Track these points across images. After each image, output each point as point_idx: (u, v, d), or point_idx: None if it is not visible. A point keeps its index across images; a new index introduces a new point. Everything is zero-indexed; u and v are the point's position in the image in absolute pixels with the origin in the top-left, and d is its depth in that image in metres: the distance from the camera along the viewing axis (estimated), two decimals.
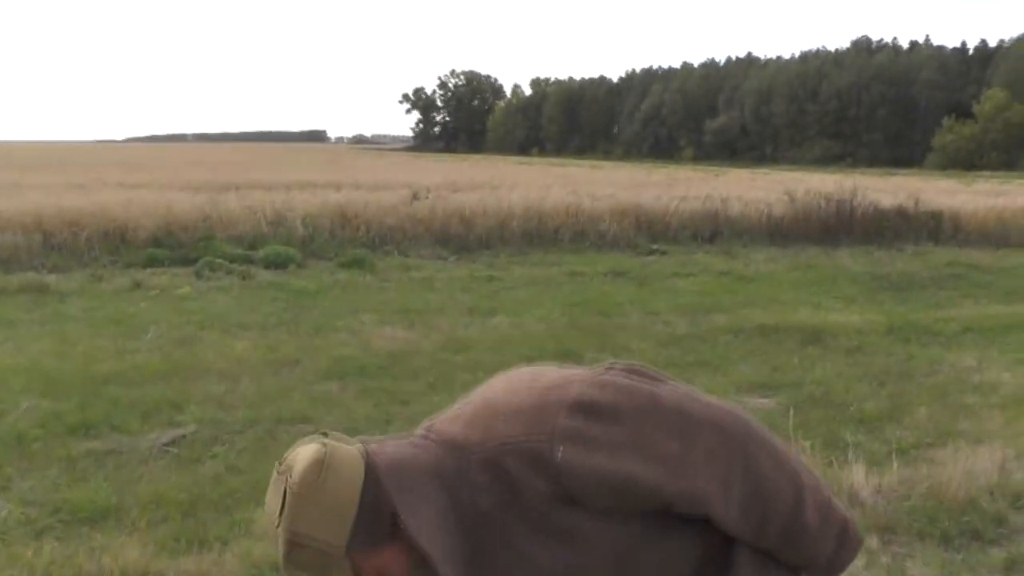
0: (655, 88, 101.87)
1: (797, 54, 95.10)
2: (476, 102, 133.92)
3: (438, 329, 8.38)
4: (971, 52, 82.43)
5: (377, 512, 1.26)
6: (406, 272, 12.10)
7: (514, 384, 1.41)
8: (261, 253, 12.43)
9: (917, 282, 12.12)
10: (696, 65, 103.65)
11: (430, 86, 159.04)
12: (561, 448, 1.27)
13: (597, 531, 1.31)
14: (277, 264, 12.04)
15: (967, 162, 64.41)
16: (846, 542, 1.42)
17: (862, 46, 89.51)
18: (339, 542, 1.24)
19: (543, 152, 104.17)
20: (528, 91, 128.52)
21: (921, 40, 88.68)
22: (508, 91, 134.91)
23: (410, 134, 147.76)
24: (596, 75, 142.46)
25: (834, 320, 9.08)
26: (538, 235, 15.13)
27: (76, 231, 12.69)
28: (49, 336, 7.87)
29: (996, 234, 16.83)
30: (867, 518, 4.04)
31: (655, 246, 14.93)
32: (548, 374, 1.42)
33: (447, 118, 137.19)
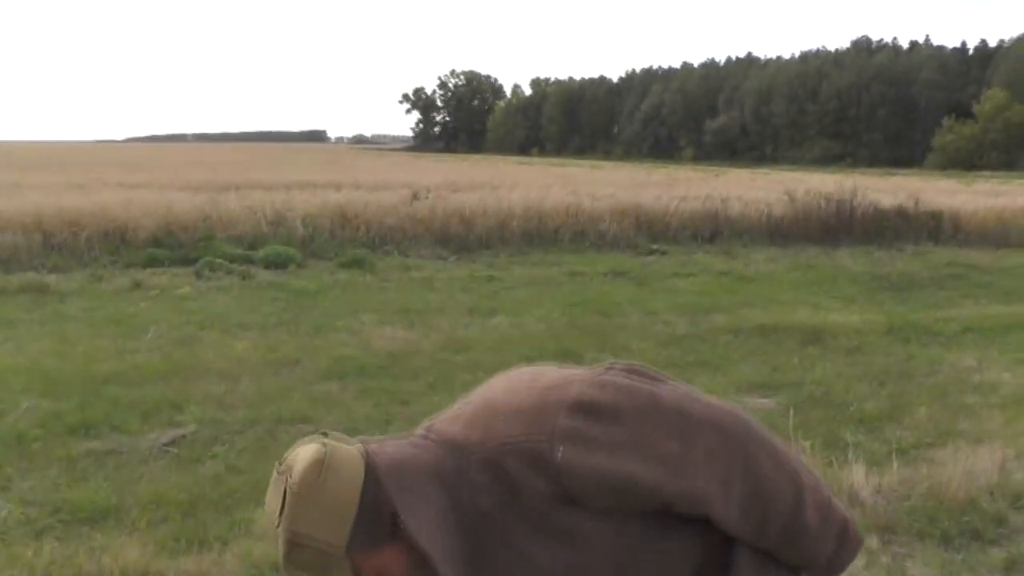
0: (655, 88, 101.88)
1: (797, 54, 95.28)
2: (476, 102, 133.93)
3: (438, 329, 8.38)
4: (971, 52, 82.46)
5: (377, 512, 1.26)
6: (406, 272, 12.10)
7: (514, 384, 1.40)
8: (261, 253, 12.43)
9: (917, 282, 12.12)
10: (696, 65, 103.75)
11: (430, 86, 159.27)
12: (561, 448, 1.27)
13: (597, 531, 1.31)
14: (277, 264, 12.04)
15: (967, 162, 64.41)
16: (846, 542, 1.42)
17: (862, 46, 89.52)
18: (339, 542, 1.24)
19: (543, 152, 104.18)
20: (528, 91, 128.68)
21: (921, 40, 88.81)
22: (508, 91, 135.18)
23: (410, 134, 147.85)
24: (596, 75, 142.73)
25: (834, 320, 9.09)
26: (538, 235, 15.13)
27: (76, 231, 12.69)
28: (49, 336, 7.87)
29: (996, 234, 16.83)
30: (867, 518, 4.04)
31: (655, 246, 14.94)
32: (548, 374, 1.42)
33: (447, 118, 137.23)
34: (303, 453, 1.28)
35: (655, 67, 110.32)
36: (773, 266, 13.41)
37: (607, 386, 1.34)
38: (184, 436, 5.28)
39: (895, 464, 4.65)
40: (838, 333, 8.42)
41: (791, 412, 5.41)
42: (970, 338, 8.46)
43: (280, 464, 1.29)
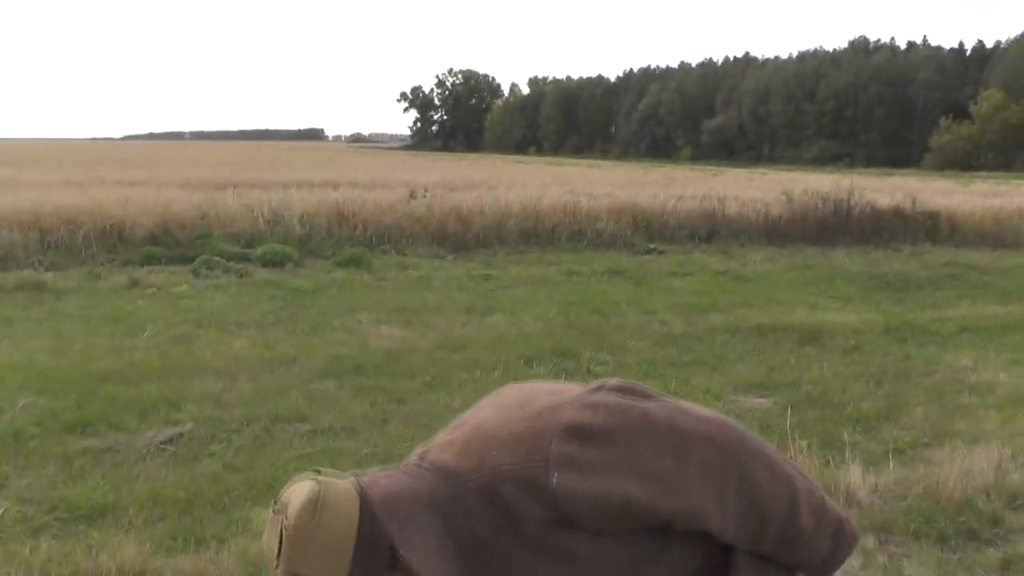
0: (653, 87, 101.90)
1: (795, 54, 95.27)
2: (474, 101, 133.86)
3: (435, 328, 8.39)
4: (968, 52, 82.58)
5: (374, 546, 1.26)
6: (403, 271, 12.10)
7: (505, 408, 1.40)
8: (258, 251, 12.43)
9: (914, 282, 12.14)
10: (694, 65, 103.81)
11: (428, 85, 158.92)
12: (556, 475, 1.28)
13: (596, 551, 1.31)
14: (274, 262, 12.04)
15: (964, 162, 64.48)
16: (841, 541, 1.44)
17: (860, 46, 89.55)
18: None
19: (540, 151, 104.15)
20: (526, 90, 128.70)
21: (919, 40, 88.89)
22: (506, 90, 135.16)
23: (408, 133, 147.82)
24: (594, 74, 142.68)
25: (831, 320, 9.10)
26: (535, 234, 15.13)
27: (73, 229, 12.67)
28: (46, 334, 7.87)
29: (993, 234, 16.86)
30: (864, 518, 4.05)
31: (652, 245, 14.95)
32: (538, 397, 1.41)
33: (445, 117, 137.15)
34: (297, 492, 1.27)
35: (653, 66, 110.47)
36: (770, 266, 13.42)
37: (598, 407, 1.34)
38: (181, 434, 5.28)
39: (892, 464, 4.66)
40: (835, 333, 8.43)
41: (788, 412, 5.43)
42: (967, 338, 8.47)
43: (275, 504, 1.28)
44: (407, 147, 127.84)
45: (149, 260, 12.04)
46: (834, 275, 12.57)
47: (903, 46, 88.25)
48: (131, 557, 3.58)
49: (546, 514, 1.28)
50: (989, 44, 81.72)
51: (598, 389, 1.38)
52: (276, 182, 20.99)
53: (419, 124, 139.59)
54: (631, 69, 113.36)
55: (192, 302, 9.54)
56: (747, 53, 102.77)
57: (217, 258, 11.74)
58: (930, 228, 16.71)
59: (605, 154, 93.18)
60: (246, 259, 12.11)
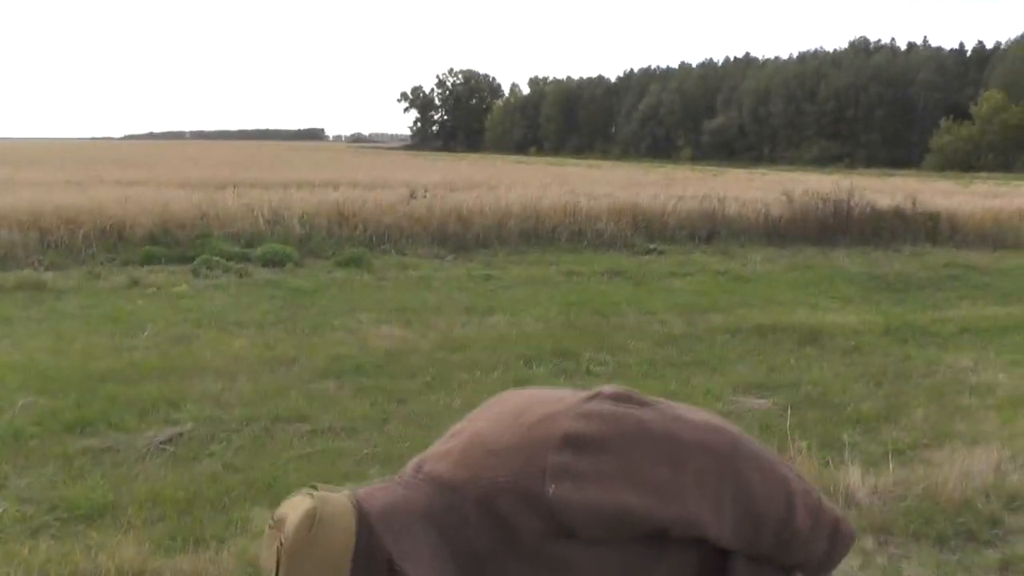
0: (653, 88, 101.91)
1: (795, 54, 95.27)
2: (474, 101, 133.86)
3: (435, 328, 8.39)
4: (969, 53, 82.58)
5: (372, 559, 1.25)
6: (403, 271, 12.10)
7: (501, 418, 1.40)
8: (258, 251, 12.43)
9: (914, 283, 12.14)
10: (694, 65, 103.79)
11: (428, 85, 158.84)
12: (553, 486, 1.28)
13: (594, 559, 1.32)
14: (274, 262, 12.04)
15: (964, 163, 64.49)
16: (838, 541, 1.45)
17: (860, 47, 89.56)
18: None
19: (541, 151, 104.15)
20: (526, 90, 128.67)
21: (919, 41, 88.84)
22: (506, 90, 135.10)
23: (408, 133, 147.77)
24: (594, 74, 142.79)
25: (831, 320, 9.10)
26: (535, 234, 15.13)
27: (73, 228, 12.67)
28: (46, 333, 7.87)
29: (993, 235, 16.86)
30: (863, 519, 4.05)
31: (652, 246, 14.94)
32: (534, 406, 1.41)
33: (445, 117, 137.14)
34: (293, 508, 1.27)
35: (653, 67, 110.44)
36: (770, 266, 13.42)
37: (593, 417, 1.34)
38: (181, 434, 5.27)
39: (891, 465, 4.66)
40: (835, 333, 8.43)
41: (788, 412, 5.43)
42: (967, 339, 8.48)
43: (271, 521, 1.28)
44: (407, 147, 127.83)
45: (149, 260, 12.04)
46: (834, 276, 12.57)
47: (903, 47, 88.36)
48: (130, 557, 3.58)
49: (543, 525, 1.28)
50: (989, 45, 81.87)
51: (593, 397, 1.38)
52: (276, 182, 21.00)
53: (419, 124, 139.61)
54: (631, 69, 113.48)
55: (192, 302, 9.54)
56: (747, 53, 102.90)
57: (217, 258, 11.74)
58: (930, 229, 16.72)
59: (605, 154, 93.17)
60: (246, 259, 12.11)
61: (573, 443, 1.30)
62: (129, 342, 7.60)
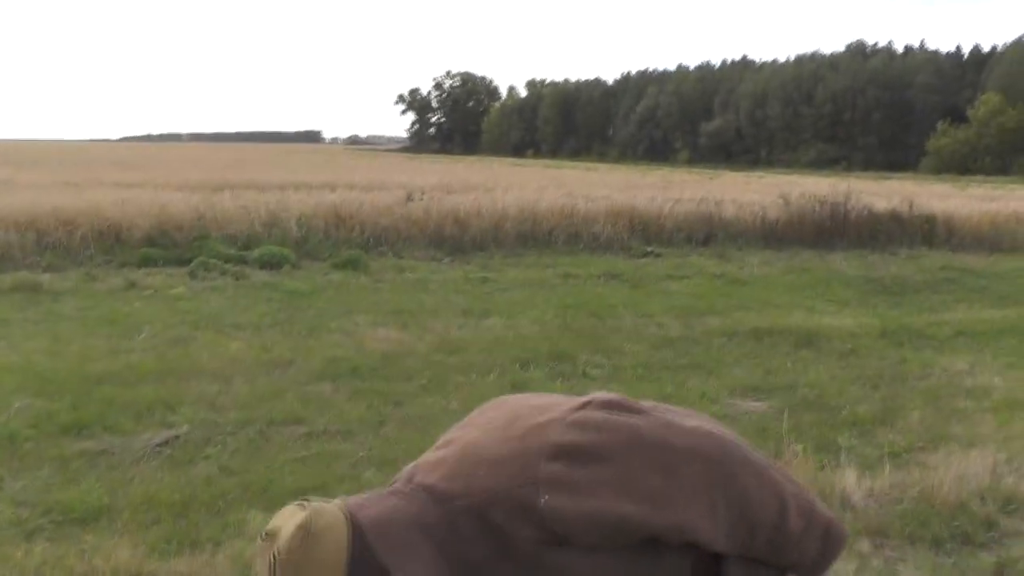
0: (650, 90, 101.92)
1: (792, 57, 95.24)
2: (471, 103, 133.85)
3: (432, 330, 8.38)
4: (966, 56, 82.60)
5: (366, 571, 1.25)
6: (400, 273, 12.10)
7: (493, 427, 1.40)
8: (255, 253, 12.42)
9: (910, 286, 12.15)
10: (691, 68, 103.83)
11: (425, 87, 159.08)
12: (546, 496, 1.28)
13: (588, 566, 1.32)
14: (271, 264, 12.03)
15: (961, 166, 64.49)
16: (830, 542, 1.45)
17: (857, 50, 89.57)
18: None
19: (538, 154, 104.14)
20: (523, 92, 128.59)
21: (916, 44, 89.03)
22: (503, 92, 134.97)
23: (405, 135, 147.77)
24: (591, 77, 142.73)
25: (828, 323, 9.10)
26: (532, 237, 15.13)
27: (70, 230, 12.66)
28: (42, 335, 7.86)
29: (990, 238, 16.88)
30: (859, 521, 4.05)
31: (649, 248, 14.94)
32: (526, 414, 1.41)
33: (442, 119, 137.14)
34: (286, 520, 1.27)
35: (650, 69, 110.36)
36: (767, 269, 13.43)
37: (586, 425, 1.34)
38: (177, 437, 5.27)
39: (887, 468, 4.67)
40: (832, 336, 8.44)
41: (784, 415, 5.44)
42: (963, 342, 8.49)
43: (264, 533, 1.28)
44: (404, 149, 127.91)
45: (146, 262, 12.03)
46: (831, 278, 12.58)
47: (900, 50, 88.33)
48: (126, 560, 3.58)
49: (537, 534, 1.28)
50: (986, 48, 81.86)
51: (585, 405, 1.38)
52: (273, 184, 21.00)
53: (417, 126, 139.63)
54: (629, 72, 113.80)
55: (189, 304, 9.53)
56: (745, 56, 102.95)
57: (214, 260, 11.73)
58: (927, 232, 16.74)
59: (602, 157, 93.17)
60: (243, 261, 12.10)
61: (565, 453, 1.30)
62: (126, 344, 7.59)
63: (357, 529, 1.26)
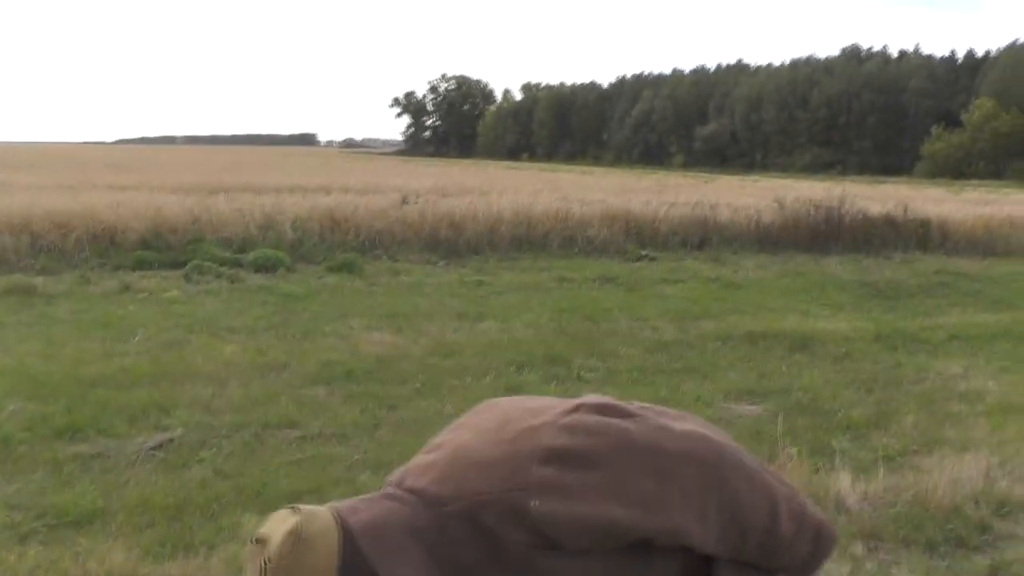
0: (645, 94, 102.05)
1: (787, 61, 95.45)
2: (467, 107, 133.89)
3: (427, 334, 8.38)
4: (960, 61, 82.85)
5: (356, 575, 1.25)
6: (395, 276, 12.09)
7: (484, 430, 1.40)
8: (250, 256, 12.40)
9: (905, 290, 12.18)
10: (686, 71, 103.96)
11: (421, 90, 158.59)
12: (536, 501, 1.28)
13: (579, 570, 1.32)
14: (266, 267, 12.02)
15: (955, 171, 64.67)
16: (820, 543, 1.46)
17: (852, 54, 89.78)
18: None
19: (533, 157, 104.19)
20: (519, 96, 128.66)
21: (910, 49, 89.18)
22: (499, 96, 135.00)
23: (400, 138, 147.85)
24: (587, 80, 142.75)
25: (822, 327, 9.12)
26: (527, 240, 15.13)
27: (64, 233, 12.63)
28: (36, 338, 7.84)
29: (984, 243, 16.92)
30: (853, 525, 4.06)
31: (644, 252, 14.95)
32: (517, 418, 1.40)
33: (438, 122, 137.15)
34: (276, 525, 1.26)
35: (646, 73, 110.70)
36: (762, 273, 13.44)
37: (577, 429, 1.34)
38: (171, 440, 5.26)
39: (881, 471, 4.68)
40: (826, 340, 8.45)
41: (779, 419, 5.44)
42: (957, 346, 8.51)
43: (255, 539, 1.27)
44: (400, 152, 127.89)
45: (140, 265, 12.01)
46: (825, 282, 12.60)
47: (895, 54, 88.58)
48: (120, 563, 3.57)
49: (528, 538, 1.28)
50: (980, 53, 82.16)
51: (577, 409, 1.38)
52: (268, 187, 21.00)
53: (412, 130, 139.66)
54: (624, 75, 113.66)
55: (183, 307, 9.52)
56: (740, 60, 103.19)
57: (209, 263, 11.72)
58: (921, 236, 16.76)
59: (598, 160, 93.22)
60: (238, 264, 12.09)
61: (557, 457, 1.30)
62: (120, 347, 7.57)
63: (348, 534, 1.25)
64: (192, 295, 10.26)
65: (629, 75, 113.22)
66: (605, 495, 1.29)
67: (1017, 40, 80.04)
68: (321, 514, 1.27)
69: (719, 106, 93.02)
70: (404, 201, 16.26)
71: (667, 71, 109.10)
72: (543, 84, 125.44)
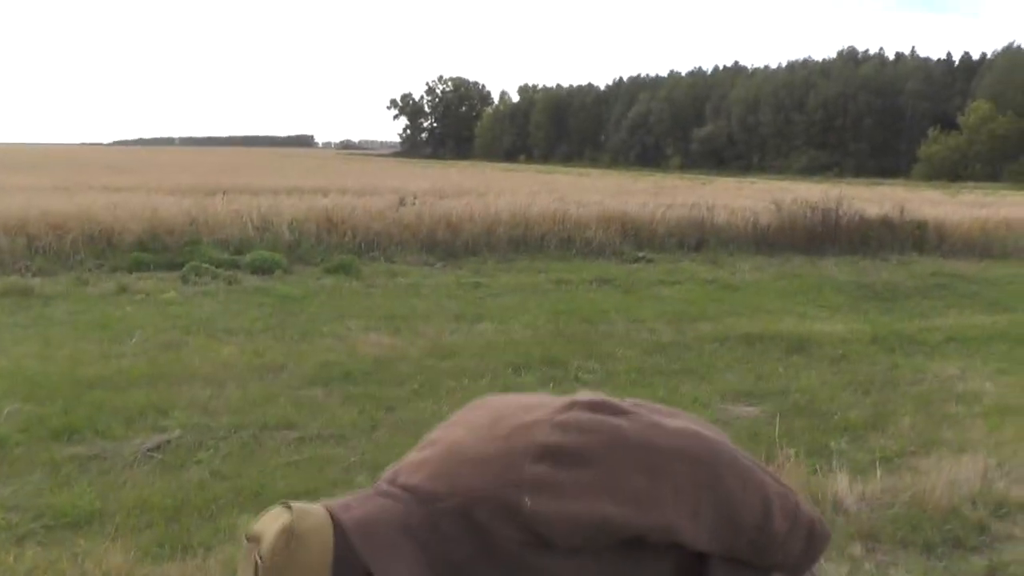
0: (642, 96, 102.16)
1: (784, 63, 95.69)
2: (464, 108, 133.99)
3: (424, 335, 8.38)
4: (956, 64, 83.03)
5: (349, 572, 1.25)
6: (392, 278, 12.09)
7: (477, 427, 1.40)
8: (247, 258, 12.40)
9: (901, 292, 12.19)
10: (683, 73, 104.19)
11: (418, 92, 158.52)
12: (529, 498, 1.28)
13: (572, 567, 1.32)
14: (263, 269, 12.01)
15: (952, 173, 64.83)
16: (813, 541, 1.46)
17: (849, 56, 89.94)
18: None
19: (530, 159, 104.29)
20: (516, 98, 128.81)
21: (907, 51, 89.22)
22: (496, 97, 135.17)
23: (398, 140, 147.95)
24: (584, 82, 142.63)
25: (819, 329, 9.12)
26: (524, 242, 15.14)
27: (61, 234, 12.63)
28: (33, 340, 7.84)
29: (980, 245, 16.95)
30: (851, 526, 4.07)
31: (641, 254, 14.96)
32: (510, 415, 1.41)
33: (435, 124, 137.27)
34: (269, 523, 1.26)
35: (642, 75, 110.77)
36: (759, 275, 13.45)
37: (570, 427, 1.34)
38: (169, 441, 5.26)
39: (879, 472, 4.68)
40: (823, 342, 8.45)
41: (776, 420, 5.45)
42: (953, 348, 8.52)
43: (247, 537, 1.27)
44: (397, 154, 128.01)
45: (137, 266, 12.00)
46: (822, 284, 12.61)
47: (892, 57, 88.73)
48: (117, 564, 3.57)
49: (521, 536, 1.28)
50: (976, 56, 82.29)
51: (570, 407, 1.38)
52: (265, 188, 20.98)
53: (409, 131, 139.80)
54: (621, 78, 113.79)
55: (180, 308, 9.51)
56: (737, 62, 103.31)
57: (206, 264, 11.71)
58: (918, 238, 16.80)
59: (595, 162, 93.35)
60: (235, 266, 12.08)
61: (550, 454, 1.31)
62: (117, 349, 7.57)
63: (341, 531, 1.25)
64: (189, 296, 10.25)
65: (626, 77, 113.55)
66: (597, 492, 1.29)
67: (1013, 43, 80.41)
68: (314, 511, 1.27)
69: (716, 108, 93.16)
70: (401, 203, 16.26)
71: (664, 73, 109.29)
72: (540, 86, 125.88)
